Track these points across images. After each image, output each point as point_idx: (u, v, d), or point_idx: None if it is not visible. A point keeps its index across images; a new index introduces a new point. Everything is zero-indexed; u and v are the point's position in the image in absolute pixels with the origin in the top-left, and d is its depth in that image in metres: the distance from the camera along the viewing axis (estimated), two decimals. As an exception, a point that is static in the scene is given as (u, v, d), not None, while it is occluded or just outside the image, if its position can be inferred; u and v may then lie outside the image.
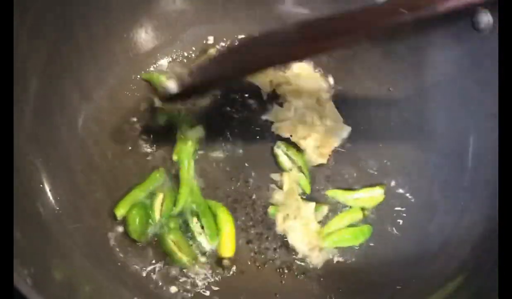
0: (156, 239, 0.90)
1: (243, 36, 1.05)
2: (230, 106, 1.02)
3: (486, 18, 0.87)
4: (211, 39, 1.07)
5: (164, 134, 0.99)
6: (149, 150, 0.98)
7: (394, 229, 0.94)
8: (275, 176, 0.97)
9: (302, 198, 0.95)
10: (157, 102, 1.01)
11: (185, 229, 0.91)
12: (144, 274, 0.87)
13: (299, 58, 0.89)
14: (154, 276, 0.87)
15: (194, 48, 1.07)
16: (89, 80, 0.98)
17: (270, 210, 0.94)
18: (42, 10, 0.85)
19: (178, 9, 1.06)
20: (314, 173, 0.98)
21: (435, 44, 0.98)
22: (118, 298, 0.82)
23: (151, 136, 0.98)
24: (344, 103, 1.03)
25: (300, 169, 0.97)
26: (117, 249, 0.89)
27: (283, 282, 0.89)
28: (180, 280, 0.88)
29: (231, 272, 0.89)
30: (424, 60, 1.00)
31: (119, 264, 0.87)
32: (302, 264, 0.91)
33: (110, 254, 0.88)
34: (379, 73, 1.05)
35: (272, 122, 1.00)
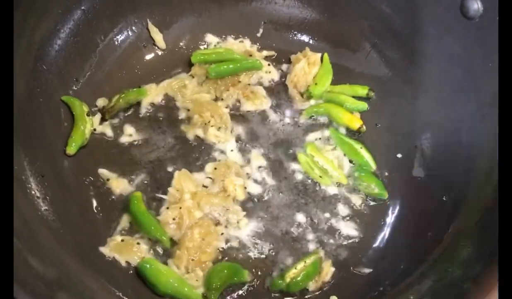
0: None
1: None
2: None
3: (476, 5, 0.88)
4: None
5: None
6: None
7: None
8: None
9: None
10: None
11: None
12: (132, 271, 0.86)
13: None
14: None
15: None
16: (72, 76, 0.98)
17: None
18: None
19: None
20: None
21: (426, 35, 0.99)
22: (106, 296, 0.81)
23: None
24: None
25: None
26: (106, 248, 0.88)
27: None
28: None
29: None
30: (416, 51, 1.01)
31: (107, 261, 0.86)
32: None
33: (98, 253, 0.87)
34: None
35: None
